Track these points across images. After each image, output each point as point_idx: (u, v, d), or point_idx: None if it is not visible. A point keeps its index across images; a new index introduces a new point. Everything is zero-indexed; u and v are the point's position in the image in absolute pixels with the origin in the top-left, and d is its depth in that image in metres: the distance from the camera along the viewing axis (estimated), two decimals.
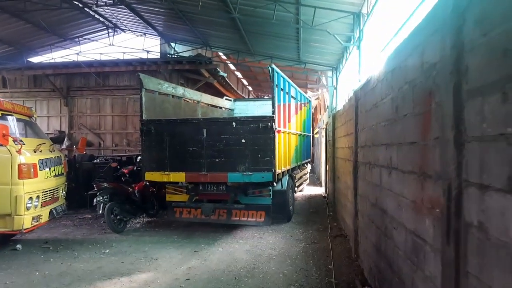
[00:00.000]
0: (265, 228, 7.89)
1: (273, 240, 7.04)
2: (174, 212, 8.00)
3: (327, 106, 12.25)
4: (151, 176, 7.54)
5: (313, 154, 18.65)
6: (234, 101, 12.70)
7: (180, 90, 9.58)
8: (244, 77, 25.00)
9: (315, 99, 20.40)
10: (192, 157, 7.31)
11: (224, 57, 19.36)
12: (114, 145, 12.69)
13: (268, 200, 7.66)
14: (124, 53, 13.52)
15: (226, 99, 12.28)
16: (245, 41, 10.35)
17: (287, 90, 8.63)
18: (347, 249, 6.36)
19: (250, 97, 27.30)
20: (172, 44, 13.44)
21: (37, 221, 6.11)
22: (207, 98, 10.94)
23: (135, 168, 9.11)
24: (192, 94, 10.19)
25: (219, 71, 11.34)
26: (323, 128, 15.19)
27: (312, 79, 20.17)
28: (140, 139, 7.67)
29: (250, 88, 28.53)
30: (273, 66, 7.38)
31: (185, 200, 7.88)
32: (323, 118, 15.13)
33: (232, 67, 21.75)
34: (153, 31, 12.80)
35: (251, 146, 7.08)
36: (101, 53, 13.75)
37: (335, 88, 10.61)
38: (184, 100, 9.72)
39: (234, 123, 7.19)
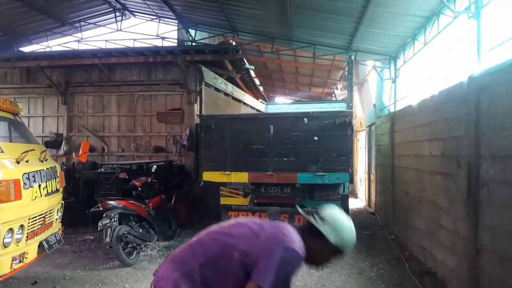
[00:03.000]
0: None
1: (340, 281, 5.25)
2: (228, 217, 7.07)
3: (373, 105, 10.43)
4: (210, 176, 7.03)
5: None
6: (267, 104, 11.90)
7: (229, 88, 9.28)
8: (257, 75, 23.24)
9: (342, 98, 18.72)
10: (257, 156, 6.83)
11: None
12: (120, 150, 10.89)
13: (337, 204, 6.54)
14: (134, 40, 11.62)
15: (260, 101, 11.52)
16: (285, 21, 8.41)
17: None
18: None
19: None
20: (191, 31, 11.59)
21: (19, 262, 4.30)
22: (249, 99, 10.64)
23: (149, 179, 7.33)
24: (238, 93, 9.84)
25: (245, 63, 9.55)
26: (360, 130, 13.41)
27: (335, 78, 18.45)
28: (199, 136, 7.33)
29: (261, 88, 26.77)
30: (352, 57, 7.26)
31: (241, 204, 7.23)
32: (360, 119, 13.34)
33: (246, 64, 20.01)
34: (169, 13, 10.80)
35: (325, 144, 6.55)
36: (106, 41, 11.83)
37: (394, 82, 8.77)
38: (233, 98, 9.47)
39: (305, 119, 6.66)
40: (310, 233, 2.00)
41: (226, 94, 9.85)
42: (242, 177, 6.88)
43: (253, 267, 1.81)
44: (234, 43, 14.23)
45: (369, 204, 10.86)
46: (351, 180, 6.78)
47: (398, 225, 7.48)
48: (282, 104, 14.06)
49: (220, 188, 7.38)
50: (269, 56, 16.97)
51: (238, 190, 7.32)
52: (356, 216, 9.83)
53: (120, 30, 12.33)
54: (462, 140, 4.49)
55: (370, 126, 10.74)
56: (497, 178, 3.72)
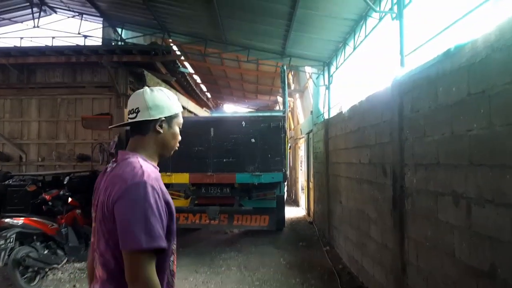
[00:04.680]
0: (249, 279, 5.64)
1: None
2: None
3: (311, 112, 10.27)
4: None
5: None
6: (211, 113, 12.55)
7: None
8: (204, 81, 22.68)
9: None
10: (197, 157, 7.09)
11: (180, 53, 16.97)
12: (40, 159, 9.83)
13: (272, 203, 7.39)
14: (53, 38, 10.52)
15: (205, 110, 12.31)
16: (216, 22, 7.95)
17: None
18: None
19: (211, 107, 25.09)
20: (119, 30, 10.74)
21: None
22: (192, 106, 10.88)
23: (61, 192, 6.52)
24: (181, 100, 9.99)
25: (179, 66, 8.97)
26: (300, 138, 13.28)
27: (279, 85, 18.37)
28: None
29: (209, 95, 26.20)
30: (285, 67, 7.79)
31: (182, 206, 7.36)
32: (300, 126, 13.21)
33: (190, 69, 19.37)
34: (92, 9, 9.86)
35: (261, 146, 6.96)
36: (21, 38, 10.57)
37: (327, 88, 8.60)
38: None
39: (243, 123, 7.02)
40: (141, 131, 1.63)
41: None
42: (183, 178, 7.07)
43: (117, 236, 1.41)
44: (174, 46, 13.62)
45: (308, 213, 10.64)
46: (285, 179, 7.24)
47: (333, 236, 7.24)
48: (227, 114, 14.55)
49: None
50: (213, 62, 16.53)
51: (179, 192, 7.52)
52: (295, 225, 9.53)
53: (38, 26, 11.08)
54: (387, 147, 4.27)
55: (308, 133, 10.57)
56: (420, 188, 3.49)
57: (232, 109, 28.94)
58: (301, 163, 14.58)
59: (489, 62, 2.45)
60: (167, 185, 7.30)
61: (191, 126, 7.20)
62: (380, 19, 5.10)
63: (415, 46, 4.06)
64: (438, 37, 3.82)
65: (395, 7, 4.26)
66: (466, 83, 2.70)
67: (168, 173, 7.06)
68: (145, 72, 7.68)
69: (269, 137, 6.99)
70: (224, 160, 7.06)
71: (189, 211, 7.29)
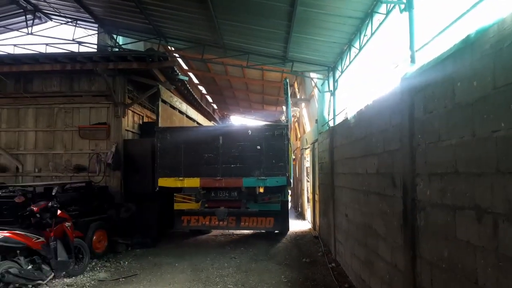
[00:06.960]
0: None
1: None
2: (181, 221, 8.08)
3: (316, 120, 9.84)
4: (165, 182, 7.71)
5: None
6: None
7: (184, 107, 10.16)
8: (209, 92, 22.43)
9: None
10: (208, 163, 7.65)
11: (185, 66, 16.75)
12: (36, 170, 9.55)
13: (277, 206, 7.92)
14: (47, 44, 10.28)
15: (213, 123, 13.17)
16: (213, 25, 7.63)
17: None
18: None
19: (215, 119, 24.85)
20: (115, 37, 10.47)
21: None
22: (201, 119, 11.62)
23: (49, 204, 6.16)
24: (191, 112, 10.73)
25: (178, 73, 8.66)
26: (306, 148, 12.83)
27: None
28: (155, 146, 8.03)
29: (215, 106, 25.97)
30: (287, 80, 8.50)
31: (193, 208, 7.98)
32: (306, 136, 12.76)
33: (195, 80, 19.14)
34: (86, 14, 9.57)
35: (266, 153, 7.53)
36: (15, 45, 10.35)
37: (333, 94, 8.17)
38: (187, 116, 10.42)
39: (249, 131, 7.66)
40: None
41: (180, 112, 10.26)
42: (194, 182, 7.62)
43: None
44: (177, 54, 13.37)
45: (314, 227, 10.11)
46: (289, 183, 7.74)
47: (339, 252, 6.73)
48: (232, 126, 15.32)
49: (174, 194, 8.08)
50: (217, 71, 16.27)
51: (190, 196, 8.04)
52: (299, 240, 8.99)
53: (31, 33, 10.87)
54: (397, 155, 3.82)
55: (313, 143, 10.12)
56: (434, 200, 3.03)
57: (240, 120, 28.59)
58: (307, 174, 14.09)
59: None
60: (179, 189, 8.00)
61: (202, 134, 7.93)
62: (388, 12, 4.69)
63: (426, 41, 3.64)
64: (454, 29, 3.39)
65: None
66: (491, 74, 2.26)
67: (180, 178, 7.65)
68: (160, 86, 8.17)
69: (273, 144, 7.53)
70: (232, 165, 7.61)
71: (200, 213, 7.93)
